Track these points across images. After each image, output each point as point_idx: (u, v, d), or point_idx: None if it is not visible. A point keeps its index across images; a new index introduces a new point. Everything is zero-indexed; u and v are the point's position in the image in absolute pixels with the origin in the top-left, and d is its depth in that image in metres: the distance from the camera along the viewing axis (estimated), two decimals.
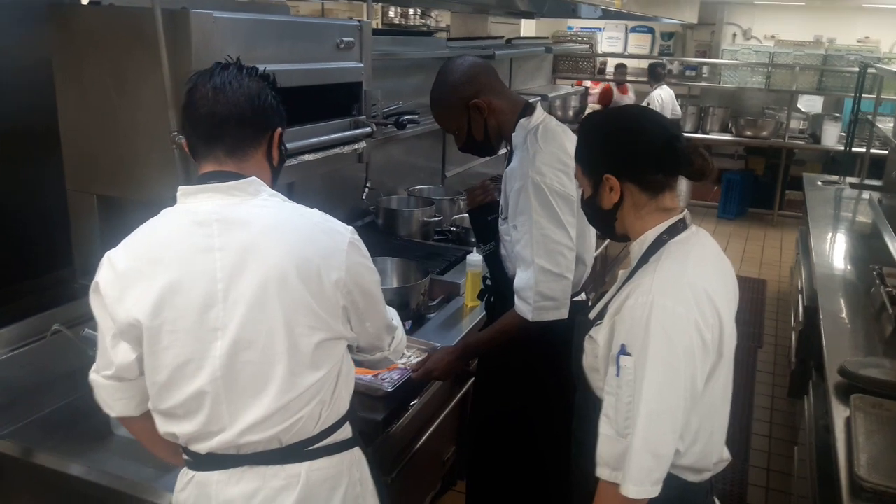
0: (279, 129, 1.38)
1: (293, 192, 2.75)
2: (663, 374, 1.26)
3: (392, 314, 1.52)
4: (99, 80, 1.76)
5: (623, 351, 1.30)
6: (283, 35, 1.93)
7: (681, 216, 1.43)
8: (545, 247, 1.83)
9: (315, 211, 1.36)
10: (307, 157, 2.04)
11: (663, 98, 7.08)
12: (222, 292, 1.23)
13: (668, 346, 1.26)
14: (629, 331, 1.30)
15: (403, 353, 2.13)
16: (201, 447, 1.29)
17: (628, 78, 8.30)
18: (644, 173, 1.40)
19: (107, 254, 1.28)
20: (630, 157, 1.40)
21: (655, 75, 7.22)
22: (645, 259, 1.40)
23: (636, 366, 1.28)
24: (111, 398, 1.33)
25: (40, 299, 1.86)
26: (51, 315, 1.79)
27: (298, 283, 1.26)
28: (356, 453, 1.44)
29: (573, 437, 1.55)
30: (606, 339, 1.37)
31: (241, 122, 1.30)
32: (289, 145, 1.91)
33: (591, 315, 1.49)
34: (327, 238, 1.32)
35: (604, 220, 1.47)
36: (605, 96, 8.15)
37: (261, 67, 1.38)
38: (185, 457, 1.34)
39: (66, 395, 1.77)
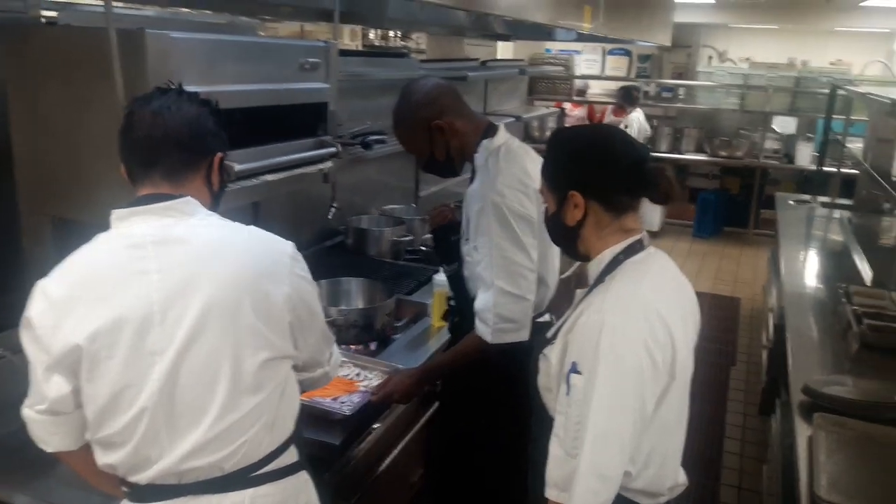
0: (219, 155, 1.37)
1: (259, 212, 2.77)
2: (611, 394, 1.25)
3: (328, 330, 1.51)
4: (54, 101, 1.74)
5: (574, 369, 1.29)
6: (245, 56, 1.92)
7: (638, 237, 1.42)
8: (505, 268, 1.82)
9: (253, 228, 1.36)
10: (269, 177, 2.02)
11: (640, 121, 7.17)
12: (159, 314, 1.21)
13: (617, 365, 1.25)
14: (580, 349, 1.30)
15: (366, 375, 2.12)
16: (140, 477, 1.26)
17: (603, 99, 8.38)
18: (609, 193, 1.40)
19: (38, 283, 1.24)
20: (597, 176, 1.40)
21: (630, 98, 7.30)
22: (601, 279, 1.39)
23: (585, 385, 1.27)
24: (46, 433, 1.30)
25: None
26: None
27: (244, 304, 1.24)
28: (303, 477, 1.41)
29: (530, 460, 1.54)
30: (559, 357, 1.36)
31: (179, 146, 1.29)
32: (250, 165, 1.91)
33: (549, 334, 1.48)
34: (270, 255, 1.32)
35: (566, 237, 1.46)
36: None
37: (204, 91, 1.39)
38: (124, 489, 1.30)
39: (11, 424, 1.72)
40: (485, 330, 1.86)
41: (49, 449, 1.32)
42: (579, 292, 1.49)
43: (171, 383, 1.21)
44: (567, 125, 7.91)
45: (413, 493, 2.38)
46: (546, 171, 1.48)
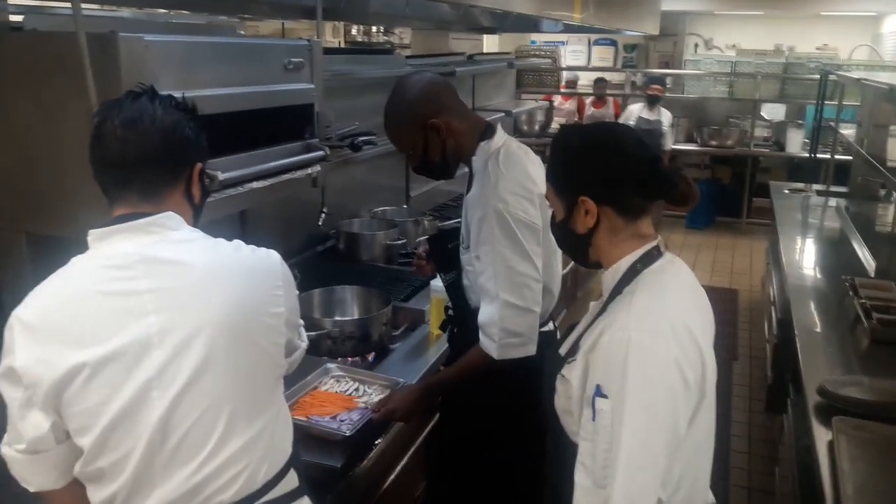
0: (198, 165, 1.29)
1: (246, 220, 2.66)
2: (643, 418, 1.15)
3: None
4: (23, 111, 1.62)
5: (599, 392, 1.18)
6: (225, 57, 1.82)
7: (654, 243, 1.32)
8: (510, 280, 1.73)
9: (239, 243, 1.29)
10: (255, 184, 1.92)
11: (641, 116, 7.01)
12: (157, 337, 1.13)
13: (648, 387, 1.15)
14: (605, 370, 1.19)
15: (365, 390, 2.02)
16: None
17: (608, 91, 8.27)
18: (624, 197, 1.29)
19: (14, 314, 1.15)
20: (610, 180, 1.29)
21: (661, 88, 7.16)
22: (618, 290, 1.29)
23: (613, 409, 1.16)
24: (27, 472, 1.20)
25: None
26: None
27: (248, 325, 1.19)
28: (304, 502, 1.33)
29: (547, 482, 1.44)
30: (580, 378, 1.25)
31: (155, 164, 1.21)
32: (235, 173, 1.81)
33: (563, 351, 1.37)
34: (266, 270, 1.28)
35: (576, 245, 1.36)
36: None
37: (179, 95, 1.28)
38: None
39: None
40: (490, 345, 1.77)
41: (31, 489, 1.23)
42: (594, 305, 1.39)
43: (170, 413, 1.14)
44: (565, 122, 7.85)
45: None
46: (552, 176, 1.36)
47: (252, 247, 1.30)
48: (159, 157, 1.21)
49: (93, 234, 1.19)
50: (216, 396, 1.16)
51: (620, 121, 6.75)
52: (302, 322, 1.44)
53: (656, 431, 1.16)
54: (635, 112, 7.04)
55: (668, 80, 8.65)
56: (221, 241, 1.27)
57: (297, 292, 1.37)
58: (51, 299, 1.15)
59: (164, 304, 1.14)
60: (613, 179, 1.29)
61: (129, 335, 1.12)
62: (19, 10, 1.93)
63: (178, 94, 1.31)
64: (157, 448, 1.14)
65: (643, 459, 1.15)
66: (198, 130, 1.28)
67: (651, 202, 1.32)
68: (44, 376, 1.11)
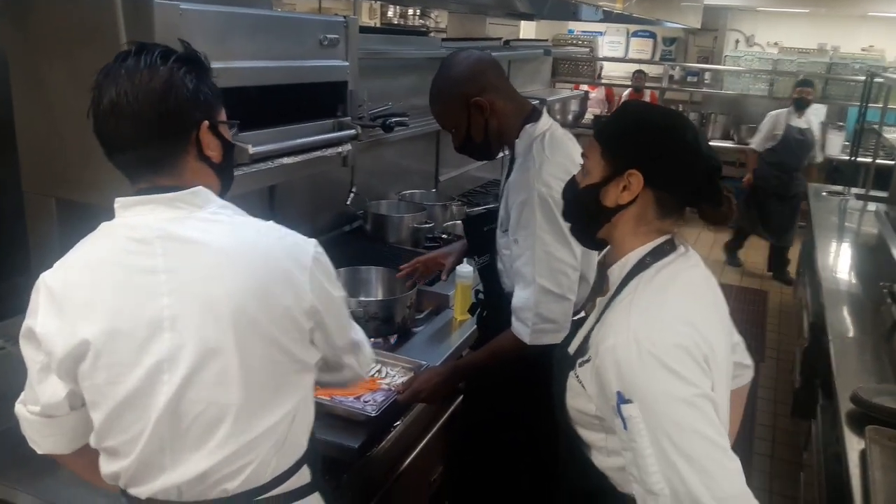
0: (204, 123, 1.16)
1: (274, 196, 2.65)
2: (678, 408, 1.09)
3: (356, 329, 1.36)
4: (56, 78, 1.62)
5: (622, 399, 1.12)
6: (260, 30, 1.80)
7: (668, 237, 1.25)
8: (548, 265, 1.70)
9: (272, 225, 1.20)
10: (286, 160, 1.90)
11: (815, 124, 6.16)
12: (169, 320, 1.09)
13: (668, 376, 1.10)
14: (619, 376, 1.13)
15: (388, 372, 2.01)
16: (141, 491, 1.15)
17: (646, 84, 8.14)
18: (676, 189, 1.23)
19: (42, 276, 1.13)
20: (674, 168, 1.21)
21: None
22: (625, 283, 1.23)
23: (644, 412, 1.10)
24: (38, 434, 1.20)
25: None
26: (1, 328, 1.65)
27: (262, 315, 1.11)
28: (314, 500, 1.28)
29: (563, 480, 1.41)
30: (596, 387, 1.19)
31: (154, 140, 1.12)
32: (265, 147, 1.79)
33: (571, 349, 1.32)
34: (291, 259, 1.17)
35: (594, 216, 1.26)
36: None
37: (216, 67, 1.21)
38: (124, 501, 1.19)
39: (10, 419, 1.63)
40: (523, 330, 1.74)
41: (40, 451, 1.23)
42: (600, 301, 1.31)
43: (178, 397, 1.10)
44: (599, 112, 7.72)
45: (433, 490, 2.28)
46: (609, 137, 1.25)
47: (285, 232, 1.20)
48: (155, 133, 1.12)
49: (119, 202, 1.15)
50: (224, 387, 1.11)
51: (762, 128, 6.18)
52: (357, 338, 1.33)
53: (700, 413, 1.09)
54: (782, 119, 6.00)
55: (707, 76, 8.50)
56: (249, 221, 1.19)
57: (342, 293, 1.27)
58: (73, 267, 1.13)
59: (177, 286, 1.09)
60: (677, 169, 1.22)
61: (141, 315, 1.08)
62: None
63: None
64: (166, 432, 1.11)
65: (705, 449, 1.08)
66: (197, 81, 1.15)
67: (690, 206, 1.26)
68: (58, 346, 1.10)
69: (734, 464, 1.10)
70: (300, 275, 1.16)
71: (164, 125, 1.12)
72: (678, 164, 1.22)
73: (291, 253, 1.18)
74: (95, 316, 1.09)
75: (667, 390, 1.10)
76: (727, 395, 1.23)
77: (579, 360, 1.26)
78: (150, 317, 1.08)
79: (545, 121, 1.82)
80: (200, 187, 1.15)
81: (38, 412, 1.17)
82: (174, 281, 1.09)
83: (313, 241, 1.22)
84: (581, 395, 1.25)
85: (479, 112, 1.79)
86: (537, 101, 4.54)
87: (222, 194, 1.22)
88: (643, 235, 1.24)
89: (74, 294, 1.10)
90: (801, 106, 5.89)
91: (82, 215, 1.81)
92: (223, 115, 1.22)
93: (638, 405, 1.10)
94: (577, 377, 1.25)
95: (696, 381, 1.11)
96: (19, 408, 1.20)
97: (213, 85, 1.19)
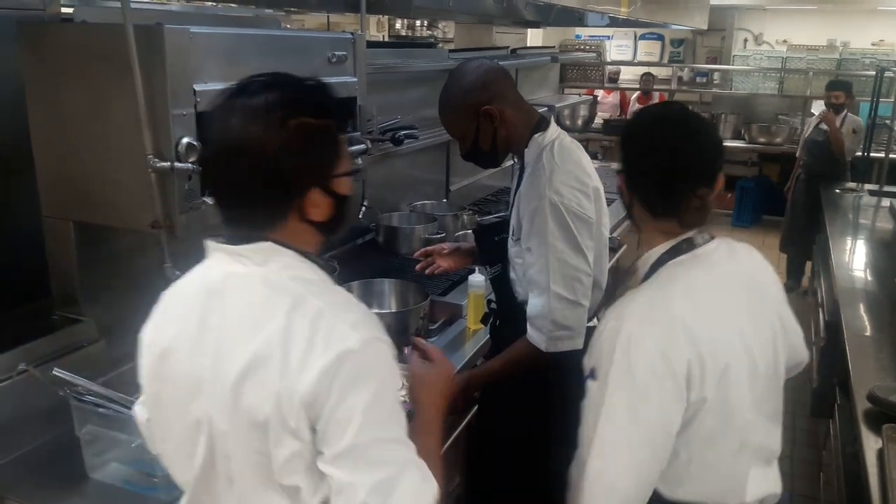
0: (313, 191, 1.03)
1: None
2: (621, 404, 1.21)
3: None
4: (72, 101, 1.67)
5: (591, 375, 1.25)
6: (269, 50, 1.83)
7: (686, 236, 1.32)
8: (561, 272, 1.72)
9: (312, 307, 1.00)
10: None
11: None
12: (210, 371, 1.04)
13: (629, 375, 1.20)
14: (597, 355, 1.25)
15: (404, 384, 2.02)
16: None
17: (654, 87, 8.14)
18: (642, 197, 1.35)
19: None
20: (633, 176, 1.36)
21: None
22: (646, 278, 1.33)
23: (598, 392, 1.23)
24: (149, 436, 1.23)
25: (14, 332, 1.75)
26: (23, 351, 1.68)
27: (244, 410, 1.01)
28: None
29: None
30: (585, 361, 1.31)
31: (246, 201, 1.03)
32: None
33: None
34: (303, 356, 0.97)
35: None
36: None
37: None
38: None
39: (37, 438, 1.66)
40: (539, 338, 1.76)
41: (153, 451, 1.23)
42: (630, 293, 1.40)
43: (210, 454, 1.07)
44: (609, 117, 7.72)
45: (452, 501, 2.28)
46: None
47: (328, 322, 0.99)
48: (249, 194, 1.02)
49: (207, 245, 1.09)
50: (227, 462, 1.05)
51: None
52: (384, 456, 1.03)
53: (635, 420, 1.20)
54: (813, 124, 5.82)
55: (716, 76, 8.48)
56: (291, 293, 1.01)
57: (383, 409, 1.00)
58: (160, 309, 1.13)
59: (213, 346, 1.04)
60: (636, 178, 1.35)
61: (184, 369, 1.06)
62: (70, 1, 1.97)
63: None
64: (202, 494, 1.11)
65: (617, 442, 1.20)
66: (315, 140, 1.01)
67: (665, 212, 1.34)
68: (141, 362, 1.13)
69: (634, 470, 1.21)
70: (328, 380, 1.00)
71: (261, 191, 1.01)
72: (636, 173, 1.35)
73: (314, 350, 0.99)
74: (156, 355, 1.10)
75: (621, 385, 1.21)
76: (743, 394, 1.29)
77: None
78: (195, 375, 1.06)
79: (553, 130, 1.84)
80: (269, 244, 1.04)
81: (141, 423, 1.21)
82: (222, 336, 1.05)
83: (355, 336, 0.99)
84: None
85: (488, 121, 1.81)
86: (546, 108, 4.58)
87: (327, 241, 1.13)
88: (650, 234, 1.35)
89: (157, 325, 1.12)
90: (834, 111, 5.56)
91: (100, 238, 1.85)
92: (345, 164, 1.08)
93: (598, 384, 1.23)
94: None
95: (659, 387, 1.20)
96: (138, 409, 1.22)
97: (328, 146, 1.05)
